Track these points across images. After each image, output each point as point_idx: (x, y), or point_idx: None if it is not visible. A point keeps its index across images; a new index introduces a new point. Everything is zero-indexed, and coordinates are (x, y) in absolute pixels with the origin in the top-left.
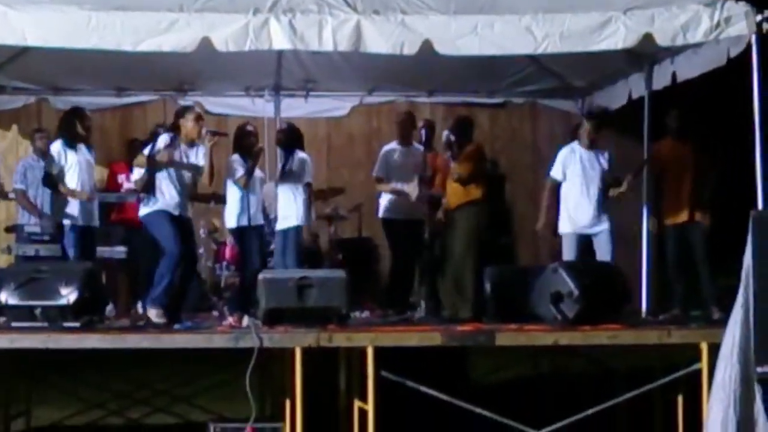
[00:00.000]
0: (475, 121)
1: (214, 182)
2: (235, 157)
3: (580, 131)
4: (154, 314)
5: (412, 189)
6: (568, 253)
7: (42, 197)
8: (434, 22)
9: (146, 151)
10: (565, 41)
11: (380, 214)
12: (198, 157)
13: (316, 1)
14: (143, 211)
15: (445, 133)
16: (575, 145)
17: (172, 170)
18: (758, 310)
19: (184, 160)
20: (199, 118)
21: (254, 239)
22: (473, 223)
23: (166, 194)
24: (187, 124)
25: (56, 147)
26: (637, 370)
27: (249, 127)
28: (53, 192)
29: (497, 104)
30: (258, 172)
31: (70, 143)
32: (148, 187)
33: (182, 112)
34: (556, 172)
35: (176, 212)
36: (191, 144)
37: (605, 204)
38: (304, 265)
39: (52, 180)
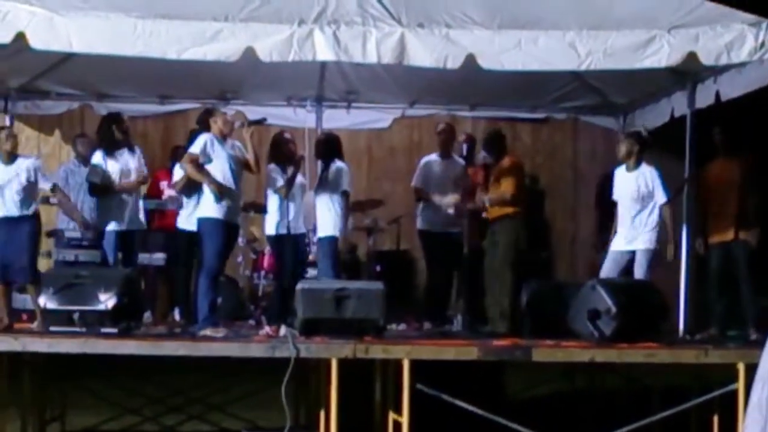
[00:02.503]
0: (517, 136)
1: (258, 172)
2: (273, 166)
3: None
4: (210, 332)
5: (448, 202)
6: (606, 268)
7: (82, 202)
8: (478, 36)
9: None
10: (609, 58)
11: (418, 225)
12: (234, 150)
13: (361, 13)
14: (202, 212)
15: (481, 155)
16: (624, 165)
17: (228, 174)
18: None
19: (226, 153)
20: (225, 116)
21: (292, 248)
22: (512, 237)
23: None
24: (218, 120)
25: (97, 157)
26: (673, 389)
27: (286, 135)
28: (101, 198)
29: (539, 120)
30: (300, 179)
31: (110, 151)
32: (188, 189)
33: (210, 112)
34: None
35: (230, 218)
36: (224, 139)
37: (645, 224)
38: (341, 275)
39: (98, 188)
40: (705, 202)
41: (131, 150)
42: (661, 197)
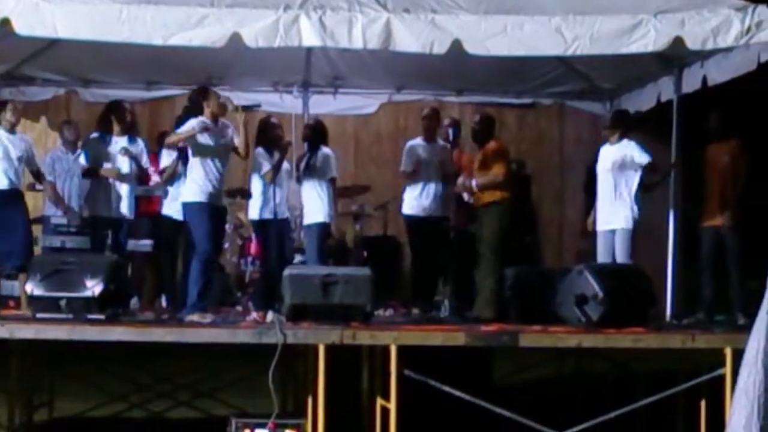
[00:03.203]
0: (503, 121)
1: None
2: (260, 150)
3: None
4: (197, 317)
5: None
6: (599, 251)
7: (69, 189)
8: (464, 21)
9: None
10: (595, 43)
11: (402, 210)
12: (226, 134)
13: None
14: (185, 197)
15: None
16: (608, 142)
17: (208, 157)
18: None
19: (214, 140)
20: (218, 97)
21: (277, 233)
22: (500, 223)
23: (204, 181)
24: (211, 104)
25: (92, 141)
26: (660, 374)
27: (273, 120)
28: (93, 180)
29: (525, 105)
30: (285, 165)
31: (104, 137)
32: (174, 179)
33: (204, 93)
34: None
35: (214, 201)
36: (216, 121)
37: (622, 201)
38: (328, 261)
39: (89, 170)
40: (704, 185)
41: (132, 140)
42: (642, 158)
